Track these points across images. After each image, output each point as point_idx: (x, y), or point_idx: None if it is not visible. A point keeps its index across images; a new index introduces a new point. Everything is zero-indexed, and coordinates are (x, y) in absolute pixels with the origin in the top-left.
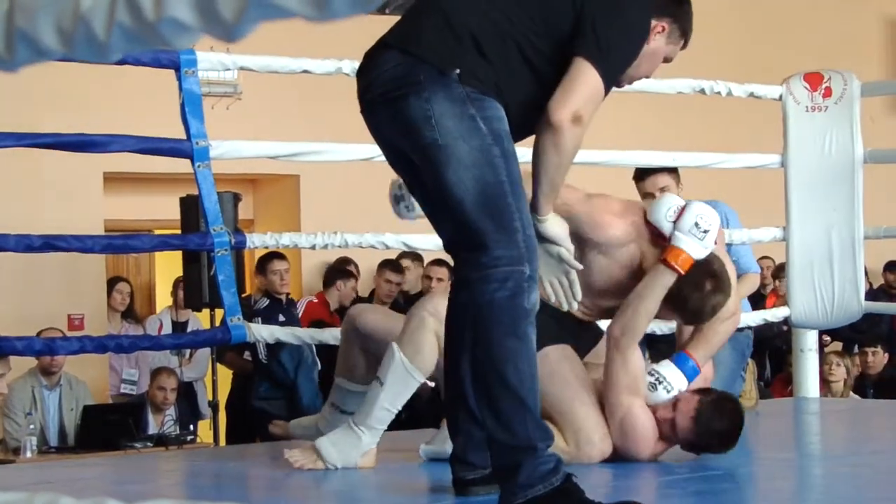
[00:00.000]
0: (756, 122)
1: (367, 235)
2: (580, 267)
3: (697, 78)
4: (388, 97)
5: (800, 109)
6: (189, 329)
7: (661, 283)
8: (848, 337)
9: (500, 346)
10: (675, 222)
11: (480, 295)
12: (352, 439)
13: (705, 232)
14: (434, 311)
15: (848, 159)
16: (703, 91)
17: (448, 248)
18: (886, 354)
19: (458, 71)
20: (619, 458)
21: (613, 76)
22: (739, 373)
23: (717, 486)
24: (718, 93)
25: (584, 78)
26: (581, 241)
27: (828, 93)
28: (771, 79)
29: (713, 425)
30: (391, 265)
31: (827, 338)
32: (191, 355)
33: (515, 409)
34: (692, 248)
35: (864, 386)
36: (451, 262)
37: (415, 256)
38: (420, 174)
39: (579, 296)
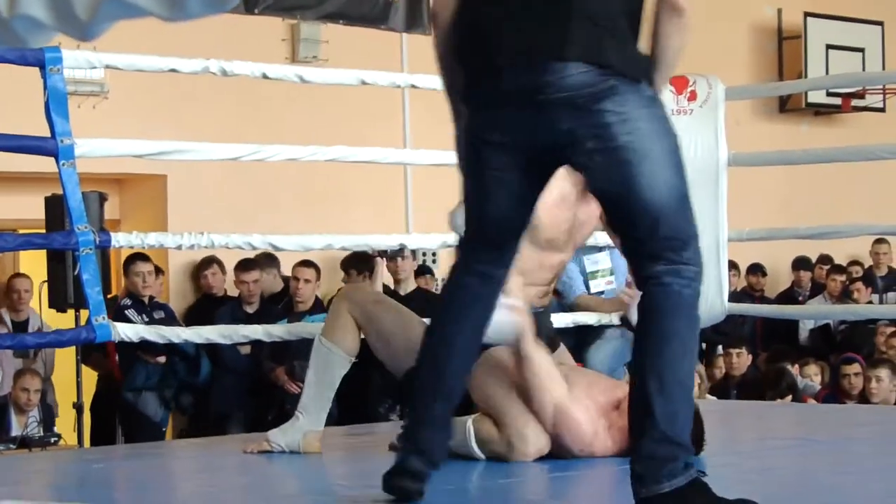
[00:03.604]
0: None
1: (233, 236)
2: None
3: None
4: (574, 100)
5: None
6: (30, 329)
7: None
8: (711, 339)
9: (682, 342)
10: None
11: (668, 286)
12: (293, 422)
13: None
14: (347, 295)
15: (712, 162)
16: None
17: (631, 247)
18: (750, 356)
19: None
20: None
21: None
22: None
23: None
24: None
25: None
26: None
27: (693, 96)
28: None
29: None
30: (242, 265)
31: None
32: (35, 354)
33: (684, 405)
34: None
35: (728, 387)
36: (318, 263)
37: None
38: (601, 176)
39: None
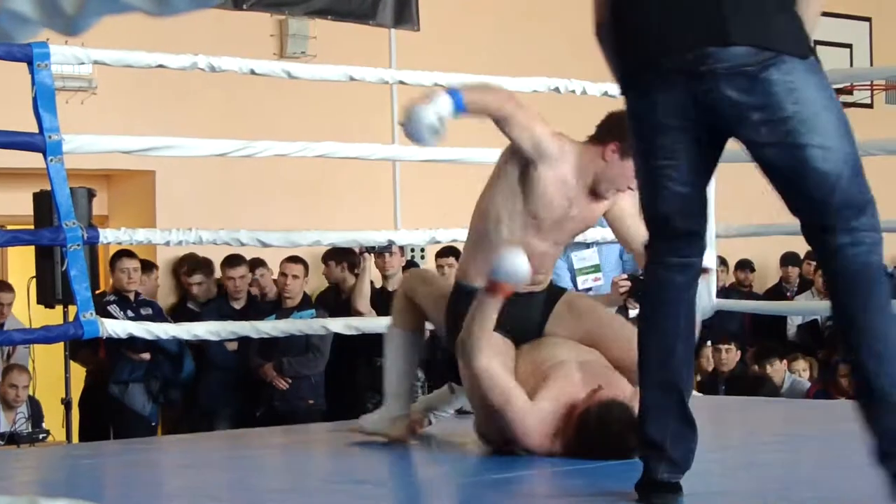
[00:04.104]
0: None
1: (221, 232)
2: None
3: (552, 77)
4: (739, 69)
5: None
6: (5, 328)
7: (489, 311)
8: (699, 334)
9: (883, 310)
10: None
11: (853, 258)
12: (381, 410)
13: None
14: (401, 283)
15: None
16: (557, 90)
17: (806, 221)
18: (738, 352)
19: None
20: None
21: None
22: None
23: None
24: (573, 91)
25: None
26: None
27: None
28: None
29: (599, 430)
30: (228, 261)
31: None
32: (10, 354)
33: None
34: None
35: (716, 383)
36: (307, 259)
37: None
38: (770, 149)
39: None
